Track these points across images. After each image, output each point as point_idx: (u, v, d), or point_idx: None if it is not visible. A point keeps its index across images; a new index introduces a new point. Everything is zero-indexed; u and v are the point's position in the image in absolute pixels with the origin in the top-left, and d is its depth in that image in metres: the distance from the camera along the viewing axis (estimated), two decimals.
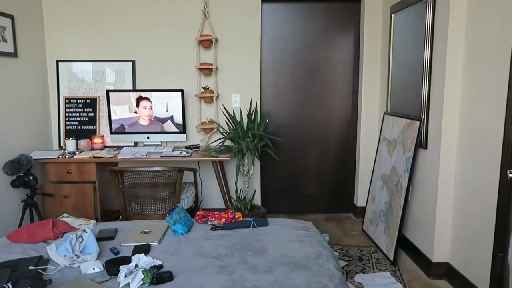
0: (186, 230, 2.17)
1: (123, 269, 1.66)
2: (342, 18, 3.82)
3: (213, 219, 2.35)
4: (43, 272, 1.70)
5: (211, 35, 3.54)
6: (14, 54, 3.15)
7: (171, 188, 2.92)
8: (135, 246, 1.97)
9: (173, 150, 3.35)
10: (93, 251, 1.84)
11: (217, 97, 3.67)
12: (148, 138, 3.54)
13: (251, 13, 3.63)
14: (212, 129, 3.70)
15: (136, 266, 1.73)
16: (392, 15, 3.34)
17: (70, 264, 1.77)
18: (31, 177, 2.94)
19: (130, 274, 1.65)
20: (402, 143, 3.04)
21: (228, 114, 3.45)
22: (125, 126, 3.51)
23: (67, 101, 3.62)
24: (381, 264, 2.95)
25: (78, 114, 3.63)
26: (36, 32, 3.50)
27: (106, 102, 3.47)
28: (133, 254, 1.84)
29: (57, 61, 3.61)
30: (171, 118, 3.50)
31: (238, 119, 3.50)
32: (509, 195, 2.09)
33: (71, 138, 3.43)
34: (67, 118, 3.62)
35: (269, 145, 3.31)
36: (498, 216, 2.16)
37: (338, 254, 3.03)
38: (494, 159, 2.19)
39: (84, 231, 1.91)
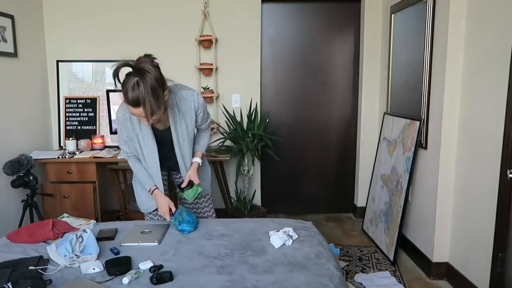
0: (193, 227, 2.17)
1: (130, 273, 1.67)
2: (342, 18, 3.82)
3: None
4: (43, 272, 1.70)
5: (211, 35, 3.54)
6: (14, 54, 3.15)
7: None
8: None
9: None
10: (93, 251, 1.84)
11: (217, 97, 3.67)
12: None
13: (251, 13, 3.63)
14: (212, 129, 3.69)
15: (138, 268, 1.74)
16: (392, 15, 3.34)
17: (70, 264, 1.77)
18: (31, 177, 2.94)
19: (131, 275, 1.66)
20: (402, 143, 3.04)
21: (228, 114, 3.45)
22: None
23: (67, 101, 3.62)
24: (381, 264, 2.95)
25: (78, 114, 3.63)
26: (36, 32, 3.50)
27: (106, 102, 3.47)
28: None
29: (57, 61, 3.61)
30: None
31: (238, 119, 3.50)
32: (509, 195, 2.09)
33: (71, 138, 3.43)
34: (67, 118, 3.62)
35: (269, 145, 3.30)
36: (498, 216, 2.16)
37: (339, 249, 3.03)
38: (494, 159, 2.19)
39: (84, 231, 1.91)
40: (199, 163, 2.26)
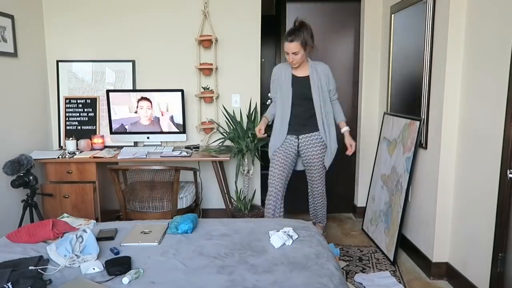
0: (191, 224, 2.17)
1: (130, 273, 1.67)
2: (342, 18, 3.82)
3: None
4: (43, 272, 1.70)
5: (211, 35, 3.54)
6: (14, 54, 3.15)
7: (168, 187, 2.92)
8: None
9: (173, 150, 3.35)
10: (93, 251, 1.84)
11: (217, 97, 3.67)
12: (148, 138, 3.54)
13: (251, 13, 3.63)
14: (212, 129, 3.70)
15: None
16: (392, 15, 3.34)
17: (70, 264, 1.77)
18: (31, 177, 2.94)
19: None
20: (402, 143, 3.04)
21: (228, 114, 3.45)
22: (125, 126, 3.51)
23: (67, 101, 3.62)
24: (381, 264, 2.95)
25: (78, 114, 3.63)
26: (36, 32, 3.50)
27: (106, 102, 3.47)
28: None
29: (57, 61, 3.61)
30: (171, 118, 3.50)
31: (238, 119, 3.50)
32: (509, 195, 2.09)
33: (71, 138, 3.43)
34: (67, 118, 3.62)
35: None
36: (498, 216, 2.16)
37: (338, 249, 3.04)
38: (494, 159, 2.19)
39: (84, 231, 1.91)
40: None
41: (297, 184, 4.04)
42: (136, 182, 2.98)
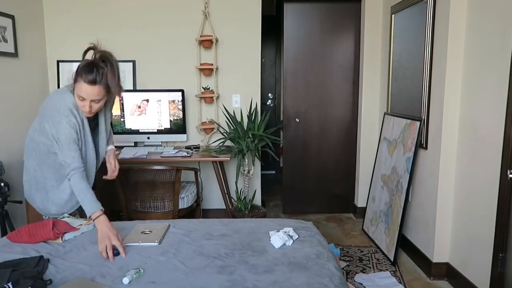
0: None
1: (130, 273, 1.67)
2: (342, 18, 3.82)
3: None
4: (44, 272, 1.70)
5: (212, 36, 3.54)
6: (15, 54, 3.15)
7: (170, 187, 2.92)
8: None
9: (173, 150, 3.35)
10: None
11: (217, 97, 3.67)
12: (148, 138, 3.54)
13: (251, 13, 3.63)
14: (212, 129, 3.70)
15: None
16: (393, 15, 3.34)
17: None
18: (2, 184, 2.61)
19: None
20: (402, 143, 3.04)
21: (229, 114, 3.45)
22: (127, 126, 3.51)
23: None
24: (381, 264, 2.95)
25: None
26: (36, 32, 3.50)
27: None
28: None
29: (58, 61, 3.62)
30: (171, 118, 3.49)
31: (238, 119, 3.50)
32: (509, 195, 2.09)
33: None
34: None
35: (269, 145, 3.30)
36: (498, 216, 2.17)
37: (339, 250, 3.04)
38: (494, 159, 2.19)
39: None
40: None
41: (297, 184, 4.04)
42: (137, 182, 2.98)
